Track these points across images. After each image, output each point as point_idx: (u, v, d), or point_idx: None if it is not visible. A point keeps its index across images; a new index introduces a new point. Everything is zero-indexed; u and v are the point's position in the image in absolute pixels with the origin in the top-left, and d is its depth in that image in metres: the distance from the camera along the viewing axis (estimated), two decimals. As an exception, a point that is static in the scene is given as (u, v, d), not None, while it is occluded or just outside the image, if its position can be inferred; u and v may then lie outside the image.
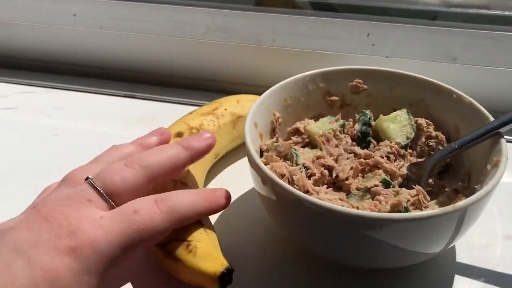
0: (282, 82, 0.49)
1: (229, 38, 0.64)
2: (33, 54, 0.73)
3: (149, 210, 0.34)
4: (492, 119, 0.43)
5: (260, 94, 0.47)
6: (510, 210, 0.48)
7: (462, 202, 0.35)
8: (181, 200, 0.37)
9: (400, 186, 0.45)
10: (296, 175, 0.41)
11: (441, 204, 0.45)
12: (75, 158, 0.43)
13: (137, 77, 0.70)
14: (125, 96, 0.68)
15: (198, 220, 0.39)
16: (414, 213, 0.36)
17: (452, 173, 0.46)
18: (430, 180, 0.46)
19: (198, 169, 0.48)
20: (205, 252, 0.37)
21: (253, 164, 0.40)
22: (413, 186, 0.43)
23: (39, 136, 0.61)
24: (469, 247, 0.45)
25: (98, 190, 0.35)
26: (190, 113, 0.54)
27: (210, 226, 0.41)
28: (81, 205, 0.34)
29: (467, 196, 0.42)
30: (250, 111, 0.45)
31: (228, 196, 0.40)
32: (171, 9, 0.65)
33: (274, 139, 0.47)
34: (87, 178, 0.36)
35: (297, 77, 0.50)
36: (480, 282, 0.42)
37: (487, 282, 0.42)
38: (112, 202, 0.35)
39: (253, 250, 0.45)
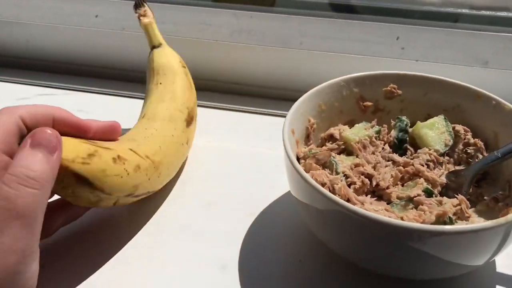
0: (318, 87, 0.48)
1: (255, 40, 0.63)
2: (53, 55, 0.72)
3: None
4: (534, 126, 0.42)
5: (287, 99, 0.46)
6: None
7: (510, 215, 0.34)
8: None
9: (439, 195, 0.44)
10: (337, 184, 0.40)
11: (480, 213, 0.45)
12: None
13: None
14: (142, 98, 0.67)
15: None
16: (466, 226, 0.35)
17: (490, 181, 0.46)
18: (469, 189, 0.45)
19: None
20: None
21: (294, 172, 0.39)
22: (455, 195, 0.42)
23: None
24: (508, 257, 0.44)
25: None
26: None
27: None
28: None
29: (508, 205, 0.42)
30: (287, 118, 0.44)
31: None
32: (195, 10, 0.65)
33: (311, 146, 0.46)
34: None
35: (331, 82, 0.49)
36: (523, 293, 0.41)
37: (530, 293, 0.41)
38: None
39: (288, 258, 0.45)
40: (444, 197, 0.42)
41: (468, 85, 0.48)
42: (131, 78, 0.70)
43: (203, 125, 0.61)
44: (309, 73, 0.63)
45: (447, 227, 0.33)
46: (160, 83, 0.54)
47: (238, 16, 0.63)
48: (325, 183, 0.41)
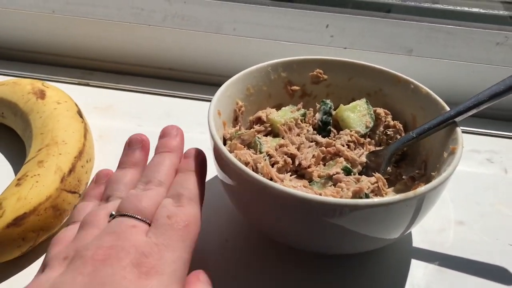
0: (246, 71, 0.49)
1: (188, 25, 0.63)
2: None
3: (177, 210, 0.35)
4: (448, 109, 0.44)
5: (219, 84, 0.47)
6: (461, 196, 0.51)
7: (422, 188, 0.36)
8: (188, 184, 0.38)
9: (360, 174, 0.46)
10: (260, 163, 0.41)
11: (398, 192, 0.47)
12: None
13: (92, 64, 0.68)
14: (79, 84, 0.66)
15: None
16: (377, 199, 0.36)
17: (408, 161, 0.48)
18: (388, 169, 0.47)
19: None
20: None
21: (217, 151, 0.39)
22: (372, 174, 0.44)
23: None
24: (425, 232, 0.47)
25: (135, 217, 0.35)
26: None
27: None
28: (126, 233, 0.33)
29: (424, 183, 0.44)
30: (214, 98, 0.44)
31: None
32: (127, -6, 0.64)
33: (237, 127, 0.47)
34: (112, 215, 0.36)
35: (259, 66, 0.50)
36: (435, 265, 0.43)
37: (441, 265, 0.43)
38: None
39: (215, 239, 0.45)
40: (363, 176, 0.44)
41: (389, 70, 0.50)
42: (63, 63, 0.68)
43: (135, 110, 0.61)
44: (242, 59, 0.64)
45: (360, 201, 0.35)
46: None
47: (172, 1, 0.63)
48: (249, 162, 0.41)
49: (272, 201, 0.37)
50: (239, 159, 0.41)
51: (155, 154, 0.42)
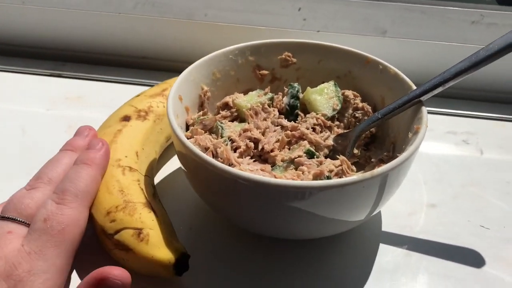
0: (211, 55, 0.48)
1: (159, 12, 0.62)
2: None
3: (56, 210, 0.34)
4: (414, 88, 0.43)
5: None
6: (435, 179, 0.50)
7: (380, 169, 0.35)
8: (78, 182, 0.36)
9: (326, 157, 0.45)
10: (220, 148, 0.40)
11: (368, 175, 0.46)
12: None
13: (63, 55, 0.67)
14: (51, 75, 0.65)
15: (148, 204, 0.39)
16: (332, 180, 0.35)
17: (378, 144, 0.47)
18: (357, 151, 0.46)
19: (149, 153, 0.46)
20: (158, 239, 0.37)
21: (174, 136, 0.38)
22: (339, 157, 0.43)
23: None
24: (395, 216, 0.46)
25: (14, 219, 0.34)
26: (138, 95, 0.52)
27: (161, 210, 0.40)
28: (1, 242, 0.33)
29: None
30: (175, 84, 0.43)
31: (103, 142, 0.41)
32: (97, -18, 0.62)
33: (201, 113, 0.46)
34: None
35: (226, 50, 0.49)
36: (403, 249, 0.43)
37: (409, 249, 0.42)
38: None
39: (179, 228, 0.44)
40: (328, 159, 0.43)
41: (358, 51, 0.48)
42: (34, 55, 0.67)
43: (106, 100, 0.60)
44: (215, 46, 0.62)
45: (313, 182, 0.34)
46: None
47: (142, -12, 0.62)
48: (208, 147, 0.40)
49: (227, 185, 0.36)
50: (199, 145, 0.40)
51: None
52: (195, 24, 0.62)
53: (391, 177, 0.36)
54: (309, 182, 0.34)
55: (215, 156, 0.40)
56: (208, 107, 0.48)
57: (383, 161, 0.45)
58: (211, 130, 0.43)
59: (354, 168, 0.42)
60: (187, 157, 0.38)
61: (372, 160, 0.46)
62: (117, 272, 0.32)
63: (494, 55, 0.39)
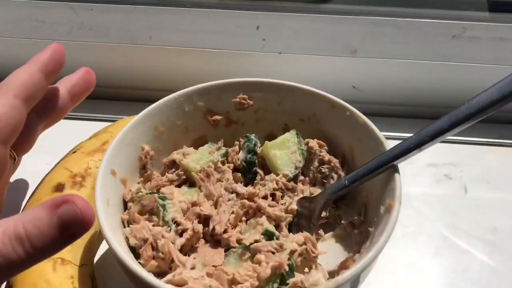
0: (150, 108, 0.41)
1: (97, 36, 0.54)
2: None
3: None
4: (386, 145, 0.37)
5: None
6: (415, 230, 0.44)
7: (346, 275, 0.29)
8: (15, 74, 0.35)
9: (290, 223, 0.39)
10: (160, 240, 0.34)
11: (338, 238, 0.41)
12: None
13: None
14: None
15: None
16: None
17: (348, 201, 0.41)
18: (324, 213, 0.40)
19: None
20: None
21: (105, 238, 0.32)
22: (305, 224, 0.38)
23: None
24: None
25: None
26: (74, 150, 0.45)
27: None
28: None
29: (362, 233, 0.38)
30: (105, 155, 0.37)
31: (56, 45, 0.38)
32: (24, 5, 0.54)
33: (140, 185, 0.40)
34: None
35: (167, 99, 0.42)
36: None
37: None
38: None
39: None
40: (290, 234, 0.37)
41: (322, 92, 0.42)
42: None
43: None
44: (165, 71, 0.56)
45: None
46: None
47: (76, 9, 0.53)
48: (147, 239, 0.34)
49: None
50: (135, 236, 0.34)
51: None
52: (139, 48, 0.54)
53: (360, 275, 0.31)
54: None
55: (155, 249, 0.34)
56: (152, 168, 0.42)
57: (354, 225, 0.39)
58: (152, 211, 0.37)
59: (319, 248, 0.36)
60: (117, 262, 0.32)
61: (342, 221, 0.40)
62: (81, 202, 0.26)
63: (477, 114, 0.33)
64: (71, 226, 0.25)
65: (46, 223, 0.25)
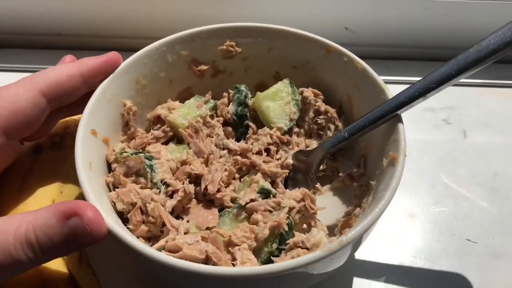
0: (129, 59, 0.37)
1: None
2: None
3: None
4: (388, 93, 0.34)
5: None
6: (413, 181, 0.43)
7: (349, 235, 0.27)
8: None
9: (286, 178, 0.37)
10: (150, 204, 0.32)
11: (336, 191, 0.39)
12: None
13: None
14: None
15: (70, 281, 0.33)
16: (294, 261, 0.27)
17: (346, 152, 0.39)
18: (322, 167, 0.38)
19: (71, 194, 0.37)
20: None
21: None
22: (304, 178, 0.36)
23: None
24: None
25: None
26: None
27: (89, 282, 0.34)
28: None
29: (362, 186, 0.36)
30: (84, 114, 0.34)
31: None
32: None
33: (124, 143, 0.37)
34: None
35: (149, 49, 0.38)
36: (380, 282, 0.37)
37: (387, 282, 0.37)
38: None
39: (119, 280, 0.37)
40: (287, 191, 0.35)
41: (316, 36, 0.39)
42: None
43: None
44: (145, 18, 0.51)
45: (273, 267, 0.26)
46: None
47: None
48: (136, 203, 0.32)
49: (150, 267, 0.28)
50: (122, 201, 0.32)
51: None
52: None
53: (362, 236, 0.29)
54: (266, 268, 0.26)
55: (144, 213, 0.32)
56: (136, 125, 0.39)
57: (353, 177, 0.37)
58: (138, 172, 0.34)
59: (317, 204, 0.34)
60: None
61: (340, 174, 0.38)
62: (91, 215, 0.27)
63: (488, 57, 0.30)
64: (79, 238, 0.26)
65: (57, 232, 0.26)
